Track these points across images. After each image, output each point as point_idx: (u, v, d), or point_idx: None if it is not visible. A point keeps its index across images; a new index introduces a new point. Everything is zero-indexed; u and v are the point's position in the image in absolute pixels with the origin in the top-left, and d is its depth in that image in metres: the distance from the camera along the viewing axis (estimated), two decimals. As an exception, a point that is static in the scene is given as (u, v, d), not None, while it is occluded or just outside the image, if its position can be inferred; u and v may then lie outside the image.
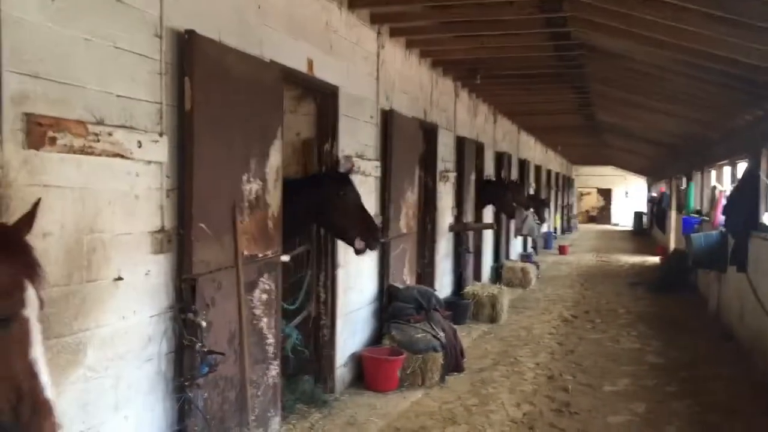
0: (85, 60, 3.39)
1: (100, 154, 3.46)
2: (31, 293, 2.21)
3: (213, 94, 4.29)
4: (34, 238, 3.00)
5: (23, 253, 2.25)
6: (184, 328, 4.07)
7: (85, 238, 3.42)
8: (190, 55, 4.06)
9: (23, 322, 2.16)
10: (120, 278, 3.65)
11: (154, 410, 3.97)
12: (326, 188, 5.85)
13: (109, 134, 3.51)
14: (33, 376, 2.15)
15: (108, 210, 3.56)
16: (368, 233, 5.91)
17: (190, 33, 4.06)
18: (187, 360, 4.09)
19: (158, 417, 4.01)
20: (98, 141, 3.43)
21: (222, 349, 4.34)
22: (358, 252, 5.96)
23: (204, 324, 4.12)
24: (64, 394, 3.28)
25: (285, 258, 5.52)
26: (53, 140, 3.18)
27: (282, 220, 5.28)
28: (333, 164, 6.37)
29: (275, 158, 5.13)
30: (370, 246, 5.98)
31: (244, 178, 4.72)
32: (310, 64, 5.90)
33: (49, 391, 2.18)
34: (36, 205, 2.39)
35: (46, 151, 3.15)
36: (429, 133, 9.68)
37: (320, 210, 5.88)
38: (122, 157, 3.62)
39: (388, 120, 7.68)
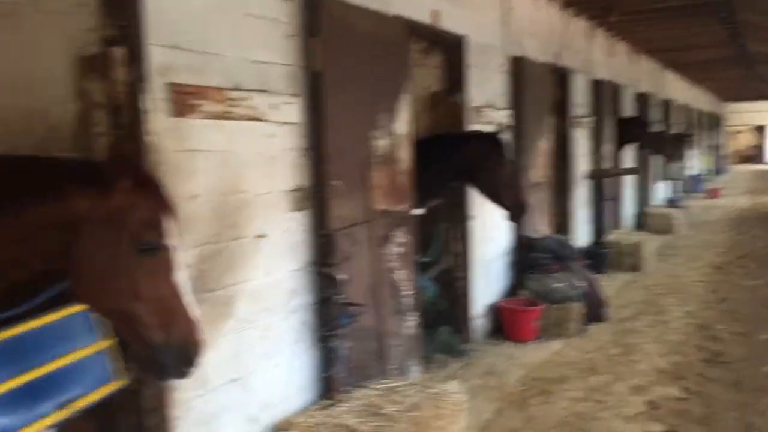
0: (220, 28, 3.56)
1: (238, 119, 3.65)
2: (172, 224, 2.47)
3: (341, 53, 4.37)
4: (184, 200, 3.25)
5: (157, 189, 2.50)
6: (324, 281, 4.25)
7: (230, 198, 3.63)
8: (318, 15, 4.14)
9: (168, 250, 2.43)
10: (263, 235, 3.86)
11: (301, 359, 4.21)
12: (475, 149, 5.83)
13: (246, 99, 3.68)
14: (178, 296, 2.43)
15: (248, 171, 3.75)
16: (515, 206, 5.91)
17: (316, -6, 4.15)
18: (328, 312, 4.28)
19: (305, 365, 4.24)
20: (236, 106, 3.61)
21: (360, 301, 4.50)
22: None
23: (342, 277, 4.28)
24: (218, 343, 3.55)
25: (418, 211, 5.59)
26: (195, 108, 3.39)
27: (418, 176, 5.34)
28: (464, 118, 6.32)
29: (404, 113, 5.17)
30: (514, 217, 6.00)
31: (375, 134, 4.80)
32: (436, 15, 5.84)
33: (194, 310, 2.45)
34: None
35: (189, 119, 3.36)
36: (561, 77, 9.34)
37: (466, 170, 5.88)
38: (259, 120, 3.79)
39: (517, 67, 7.48)
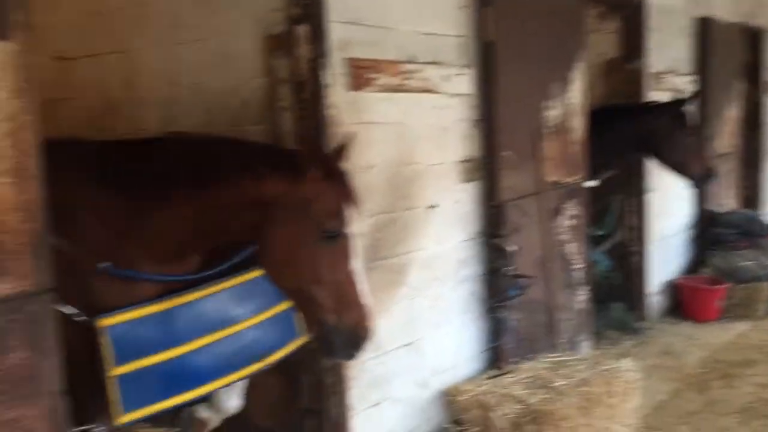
0: (395, 2, 3.63)
1: (412, 91, 3.72)
2: (352, 214, 2.57)
3: (514, 23, 4.31)
4: (361, 170, 3.39)
5: (343, 180, 2.61)
6: (493, 252, 4.26)
7: (404, 169, 3.73)
8: (489, -15, 4.11)
9: (347, 238, 2.55)
10: (434, 206, 3.93)
11: (469, 328, 4.26)
12: (656, 119, 5.61)
13: (420, 71, 3.75)
14: (353, 283, 2.54)
15: (421, 143, 3.83)
16: (701, 175, 5.64)
17: (490, -37, 4.10)
18: (497, 283, 4.29)
19: (474, 335, 4.29)
20: (410, 78, 3.69)
21: (529, 273, 4.46)
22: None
23: (511, 249, 4.27)
24: (390, 310, 3.68)
25: (592, 183, 5.41)
26: (371, 81, 3.50)
27: (592, 147, 5.18)
28: (642, 85, 6.01)
29: (578, 82, 5.01)
30: (699, 185, 5.81)
31: (546, 104, 4.70)
32: (613, -23, 5.57)
33: (368, 298, 2.55)
34: (350, 138, 2.76)
35: (366, 92, 3.48)
36: (754, 39, 8.54)
37: (645, 141, 5.66)
38: (432, 92, 3.85)
39: (703, 29, 6.95)
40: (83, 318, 2.51)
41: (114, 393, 2.54)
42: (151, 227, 2.64)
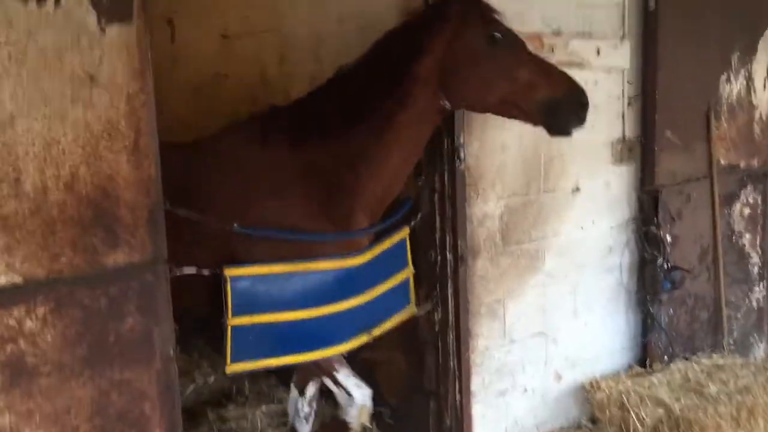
0: (542, -30, 3.41)
1: (558, 66, 3.47)
2: (503, 19, 2.75)
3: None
4: (494, 152, 3.26)
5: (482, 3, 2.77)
6: (646, 241, 3.92)
7: (543, 149, 3.52)
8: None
9: (512, 36, 2.72)
10: (578, 189, 3.68)
11: (615, 320, 3.98)
12: None
13: (565, 45, 3.49)
14: (540, 60, 2.78)
15: (565, 121, 3.58)
16: None
17: None
18: (649, 274, 3.95)
19: (619, 328, 4.00)
20: (553, 52, 3.44)
21: (691, 265, 4.07)
22: None
23: (668, 238, 3.90)
24: (524, 296, 3.53)
25: (778, 167, 4.81)
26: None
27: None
28: None
29: (765, 51, 4.42)
30: None
31: (723, 77, 4.21)
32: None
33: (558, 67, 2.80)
34: None
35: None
36: None
37: None
38: (579, 66, 3.57)
39: None
40: (212, 271, 2.63)
41: (226, 342, 2.64)
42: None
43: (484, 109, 2.88)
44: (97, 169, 2.07)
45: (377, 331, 2.97)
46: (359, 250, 2.85)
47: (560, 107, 2.65)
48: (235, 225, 2.65)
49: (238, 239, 2.71)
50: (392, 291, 3.06)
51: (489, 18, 2.70)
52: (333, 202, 2.77)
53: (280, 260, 2.71)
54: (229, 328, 2.63)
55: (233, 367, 2.67)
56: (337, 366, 2.87)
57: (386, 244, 2.99)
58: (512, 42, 2.71)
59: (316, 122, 2.78)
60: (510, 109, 2.75)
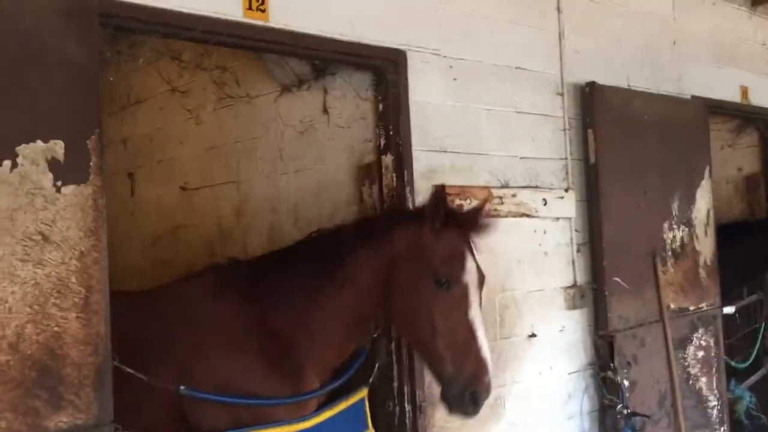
0: (487, 129, 3.62)
1: (505, 216, 3.61)
2: (471, 264, 2.58)
3: (620, 142, 4.13)
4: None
5: (464, 231, 2.67)
6: (604, 387, 3.92)
7: (497, 296, 3.58)
8: (590, 106, 4.00)
9: (463, 287, 2.55)
10: (534, 335, 3.71)
11: (579, 471, 3.89)
12: None
13: (513, 195, 3.65)
14: (471, 332, 2.52)
15: (517, 268, 3.67)
16: None
17: (591, 85, 4.01)
18: (609, 421, 3.91)
19: (584, 478, 3.90)
20: (502, 203, 3.59)
21: (650, 410, 4.04)
22: None
23: (626, 383, 3.90)
24: (486, 447, 3.45)
25: (728, 310, 4.94)
26: (461, 208, 3.44)
27: (723, 269, 4.75)
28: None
29: (704, 200, 4.67)
30: None
31: (665, 225, 4.39)
32: (744, 91, 5.27)
33: (486, 350, 2.53)
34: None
35: (454, 219, 3.42)
36: None
37: None
38: (528, 216, 3.72)
39: None
40: None
41: None
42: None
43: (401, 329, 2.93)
44: (44, 328, 2.05)
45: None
46: (310, 414, 2.79)
47: (454, 388, 2.53)
48: (182, 387, 2.60)
49: (187, 397, 2.65)
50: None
51: (450, 260, 2.60)
52: (284, 359, 2.74)
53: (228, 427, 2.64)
54: None
55: None
56: None
57: (342, 405, 2.93)
58: (458, 297, 2.58)
59: (272, 280, 2.81)
60: (423, 353, 2.70)
